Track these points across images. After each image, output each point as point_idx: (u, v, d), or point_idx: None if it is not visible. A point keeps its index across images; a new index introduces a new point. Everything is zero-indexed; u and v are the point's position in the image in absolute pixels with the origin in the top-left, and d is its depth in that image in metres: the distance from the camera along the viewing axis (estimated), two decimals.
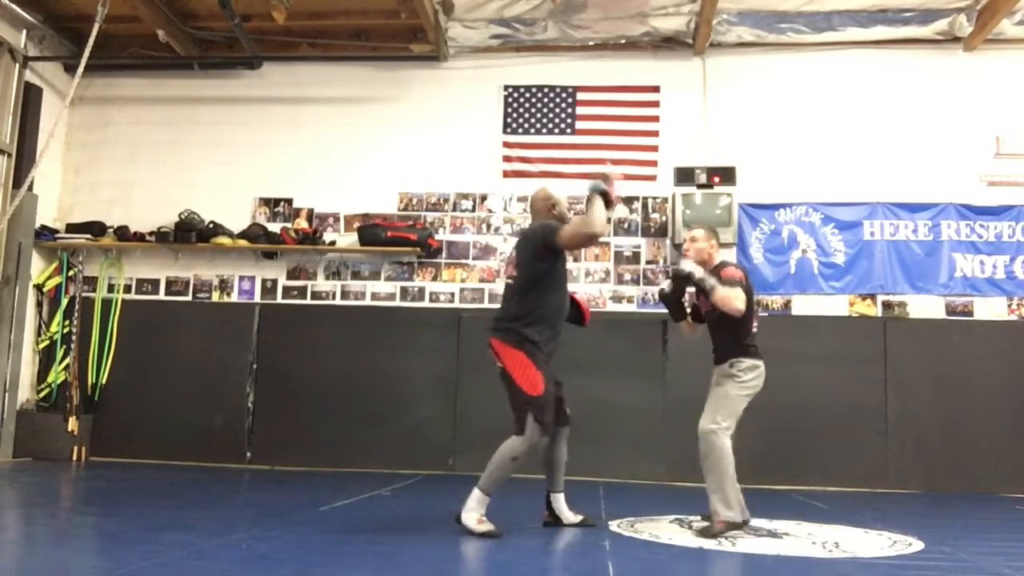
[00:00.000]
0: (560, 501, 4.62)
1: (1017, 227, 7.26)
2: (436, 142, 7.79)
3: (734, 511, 4.35)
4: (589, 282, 7.50)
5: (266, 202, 7.89)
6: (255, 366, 7.55)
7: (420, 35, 7.62)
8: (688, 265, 4.58)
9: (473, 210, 7.73)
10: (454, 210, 7.75)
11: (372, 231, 7.50)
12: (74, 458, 7.28)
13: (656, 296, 7.63)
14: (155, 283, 7.83)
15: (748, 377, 4.49)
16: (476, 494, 4.27)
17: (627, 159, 7.58)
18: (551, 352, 4.42)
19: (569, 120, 7.74)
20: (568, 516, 4.61)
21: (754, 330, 4.59)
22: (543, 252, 4.35)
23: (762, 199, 7.45)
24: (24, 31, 7.57)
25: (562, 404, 4.55)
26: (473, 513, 4.23)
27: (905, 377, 7.08)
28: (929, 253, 7.30)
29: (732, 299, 4.37)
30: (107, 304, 7.73)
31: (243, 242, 7.61)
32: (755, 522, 4.68)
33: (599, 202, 4.24)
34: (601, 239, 5.20)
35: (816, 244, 7.40)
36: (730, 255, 7.38)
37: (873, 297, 7.30)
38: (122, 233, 7.70)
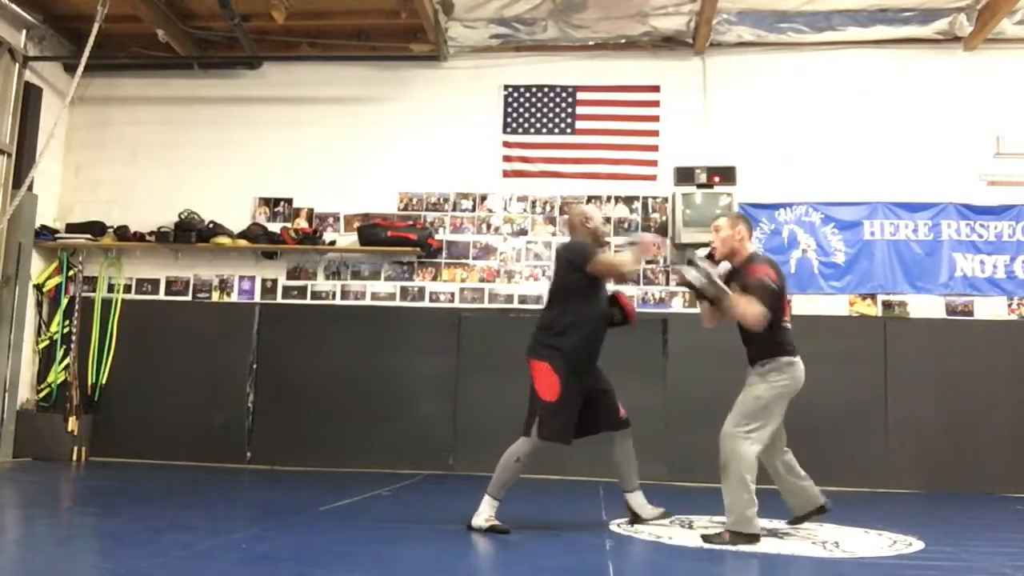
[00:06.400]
0: (636, 498, 4.66)
1: (1017, 227, 7.25)
2: (436, 142, 7.78)
3: (742, 523, 4.06)
4: None
5: (266, 202, 7.88)
6: (255, 366, 7.54)
7: (420, 35, 7.62)
8: (692, 273, 4.24)
9: (473, 210, 7.73)
10: (454, 210, 7.74)
11: (372, 231, 7.50)
12: (74, 458, 7.27)
13: (659, 294, 7.58)
14: (155, 283, 7.82)
15: (778, 377, 4.19)
16: (486, 499, 4.33)
17: (627, 159, 7.59)
18: (584, 360, 4.45)
19: (569, 120, 7.73)
20: (648, 512, 4.65)
21: (786, 325, 4.28)
22: (574, 268, 4.49)
23: (762, 199, 7.44)
24: (24, 31, 7.56)
25: (615, 408, 4.60)
26: (482, 515, 4.29)
27: (905, 377, 7.07)
28: (929, 253, 7.29)
29: (748, 315, 4.10)
30: (107, 304, 7.73)
31: (243, 242, 7.60)
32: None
33: (637, 249, 4.68)
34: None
35: (816, 244, 7.39)
36: None
37: (873, 297, 7.30)
38: (122, 233, 7.70)
